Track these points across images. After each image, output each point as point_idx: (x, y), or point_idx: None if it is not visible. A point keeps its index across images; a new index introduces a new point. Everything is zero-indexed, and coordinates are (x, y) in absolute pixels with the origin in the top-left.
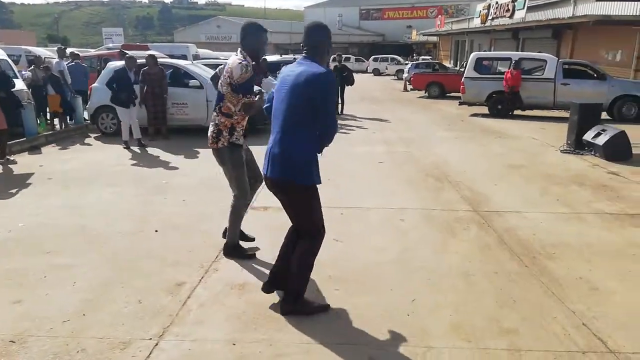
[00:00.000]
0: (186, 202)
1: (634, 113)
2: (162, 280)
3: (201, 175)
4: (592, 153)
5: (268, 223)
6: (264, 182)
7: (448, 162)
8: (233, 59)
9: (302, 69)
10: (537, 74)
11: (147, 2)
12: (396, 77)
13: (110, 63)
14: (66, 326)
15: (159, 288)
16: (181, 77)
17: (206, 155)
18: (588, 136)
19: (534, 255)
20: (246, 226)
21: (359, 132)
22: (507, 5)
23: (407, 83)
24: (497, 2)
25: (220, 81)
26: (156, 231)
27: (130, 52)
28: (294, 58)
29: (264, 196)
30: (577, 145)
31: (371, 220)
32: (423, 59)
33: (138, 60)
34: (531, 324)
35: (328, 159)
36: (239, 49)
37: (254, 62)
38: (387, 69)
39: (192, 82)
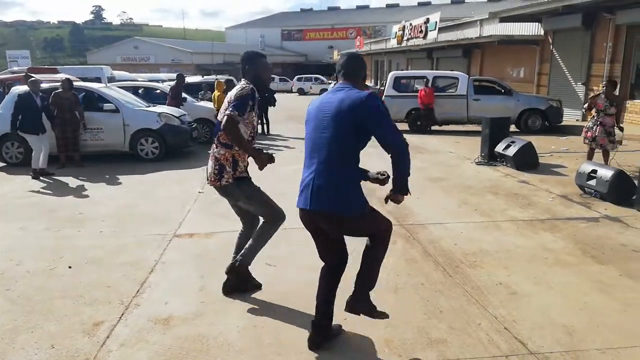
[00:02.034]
0: (103, 234)
1: (539, 125)
2: (78, 321)
3: (118, 204)
4: (504, 163)
5: (194, 251)
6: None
7: None
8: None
9: (344, 95)
10: (450, 91)
11: (56, 23)
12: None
13: (14, 88)
14: None
15: (74, 330)
16: (95, 101)
17: (123, 182)
18: (499, 148)
19: (457, 264)
20: (170, 255)
21: (286, 151)
22: (421, 26)
23: None
24: (411, 24)
25: (221, 111)
26: (70, 267)
27: (36, 76)
28: (216, 79)
29: (188, 222)
30: (490, 157)
31: (302, 240)
32: None
33: (46, 84)
34: (458, 332)
35: (255, 179)
36: (243, 80)
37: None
38: (311, 88)
39: (107, 106)
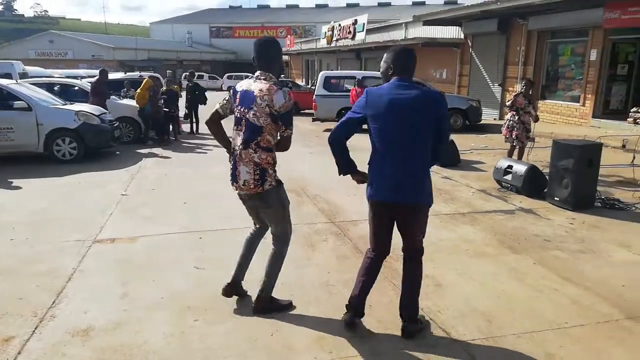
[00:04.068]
0: (14, 242)
1: (460, 123)
2: None
3: (31, 209)
4: None
5: (116, 257)
6: None
7: (306, 177)
8: (261, 85)
9: (419, 92)
10: None
11: None
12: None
13: None
14: None
15: None
16: (4, 99)
17: (37, 186)
18: None
19: (386, 259)
20: (90, 262)
21: (216, 151)
22: (349, 27)
23: None
24: (339, 25)
25: (250, 114)
26: None
27: None
28: (140, 76)
29: (110, 227)
30: None
31: (233, 242)
32: None
33: None
34: (386, 325)
35: (183, 181)
36: (260, 72)
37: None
38: None
39: (17, 104)
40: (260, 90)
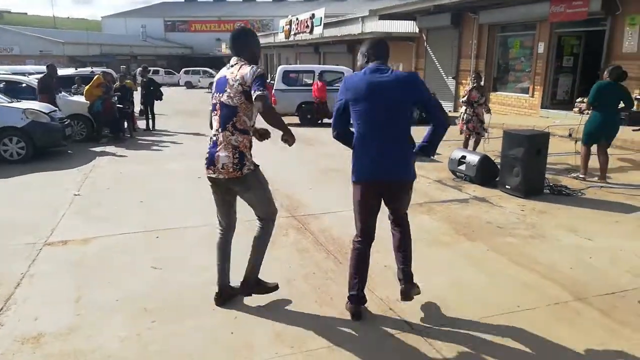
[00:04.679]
0: None
1: (417, 116)
2: None
3: None
4: None
5: (69, 259)
6: None
7: (266, 171)
8: (232, 69)
9: (395, 75)
10: (338, 85)
11: None
12: (210, 90)
13: None
14: None
15: None
16: None
17: None
18: None
19: (346, 251)
20: (41, 266)
21: (174, 147)
22: (307, 21)
23: None
24: (297, 19)
25: (224, 96)
26: None
27: None
28: (92, 71)
29: (62, 228)
30: None
31: (191, 240)
32: None
33: None
34: (347, 317)
35: (139, 179)
36: (236, 58)
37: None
38: (199, 81)
39: None
40: (232, 72)
